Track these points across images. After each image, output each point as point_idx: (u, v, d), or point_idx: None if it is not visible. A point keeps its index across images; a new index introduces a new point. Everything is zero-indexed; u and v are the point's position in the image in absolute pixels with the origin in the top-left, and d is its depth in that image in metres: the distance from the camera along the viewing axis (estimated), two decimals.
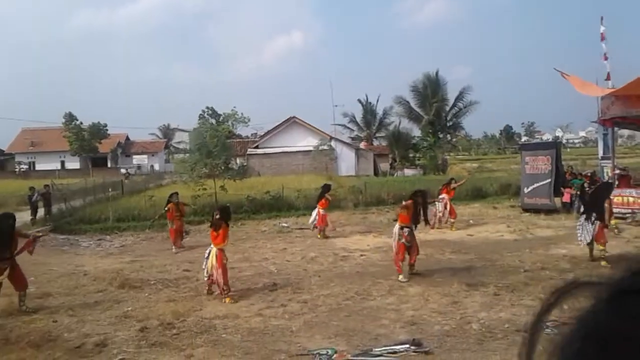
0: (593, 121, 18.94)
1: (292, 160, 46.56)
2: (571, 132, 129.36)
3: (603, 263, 10.38)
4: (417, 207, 10.40)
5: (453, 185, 17.29)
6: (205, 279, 9.42)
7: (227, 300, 8.97)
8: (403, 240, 10.08)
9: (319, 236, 15.62)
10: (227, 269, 9.38)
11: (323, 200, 16.00)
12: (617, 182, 18.20)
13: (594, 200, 11.21)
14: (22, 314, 8.45)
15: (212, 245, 9.43)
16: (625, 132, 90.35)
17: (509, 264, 11.04)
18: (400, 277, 9.95)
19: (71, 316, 8.37)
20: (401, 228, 10.20)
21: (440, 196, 16.75)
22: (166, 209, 15.19)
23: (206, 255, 9.47)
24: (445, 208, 16.49)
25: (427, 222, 11.05)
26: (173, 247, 14.73)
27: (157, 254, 14.38)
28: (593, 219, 10.61)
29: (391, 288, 9.41)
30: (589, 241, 10.70)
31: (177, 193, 16.10)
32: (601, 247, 10.62)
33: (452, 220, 16.49)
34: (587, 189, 15.53)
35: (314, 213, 16.06)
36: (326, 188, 16.73)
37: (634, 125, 19.88)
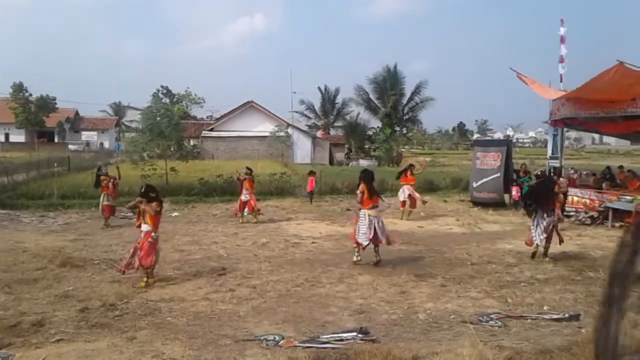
0: (544, 121, 19.47)
1: (247, 145, 46.17)
2: (522, 132, 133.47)
3: (547, 259, 10.66)
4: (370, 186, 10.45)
5: (414, 169, 17.70)
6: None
7: (142, 283, 8.60)
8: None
9: (240, 221, 15.68)
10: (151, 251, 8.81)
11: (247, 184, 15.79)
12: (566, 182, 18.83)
13: (536, 195, 11.27)
14: None
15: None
16: (572, 134, 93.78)
17: (456, 256, 11.23)
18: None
19: (7, 294, 8.00)
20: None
21: (402, 187, 17.03)
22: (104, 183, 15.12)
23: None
24: (411, 196, 16.78)
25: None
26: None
27: (103, 233, 13.96)
28: (545, 215, 10.67)
29: (341, 276, 9.41)
30: (543, 240, 10.65)
31: (105, 165, 15.91)
32: (547, 245, 10.82)
33: (409, 210, 16.81)
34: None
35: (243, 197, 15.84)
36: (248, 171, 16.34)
37: (583, 127, 20.53)
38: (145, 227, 8.90)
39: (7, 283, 8.53)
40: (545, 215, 10.68)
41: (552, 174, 15.84)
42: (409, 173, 17.43)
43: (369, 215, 10.23)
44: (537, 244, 10.82)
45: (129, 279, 8.98)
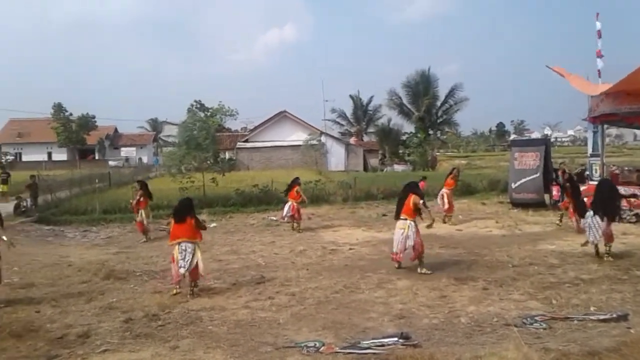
0: (583, 119, 18.98)
1: (281, 155, 46.50)
2: (560, 130, 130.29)
3: (609, 258, 10.37)
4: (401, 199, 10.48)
5: (453, 176, 17.12)
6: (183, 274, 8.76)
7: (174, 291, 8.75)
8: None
9: (294, 230, 15.65)
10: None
11: (293, 193, 15.86)
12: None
13: (600, 197, 10.79)
14: (4, 304, 8.29)
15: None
16: (613, 131, 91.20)
17: (497, 259, 11.02)
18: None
19: (54, 307, 8.22)
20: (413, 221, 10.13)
21: (441, 192, 16.80)
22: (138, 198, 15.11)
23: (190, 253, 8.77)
24: (443, 200, 16.52)
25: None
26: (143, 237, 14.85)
27: (144, 245, 14.22)
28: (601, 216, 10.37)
29: (380, 281, 9.34)
30: (598, 240, 10.46)
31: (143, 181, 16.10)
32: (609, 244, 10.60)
33: (447, 214, 16.49)
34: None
35: (287, 206, 15.88)
36: (296, 181, 16.39)
37: (623, 123, 19.95)
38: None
39: (53, 297, 8.77)
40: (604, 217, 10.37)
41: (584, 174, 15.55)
42: (450, 177, 17.08)
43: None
44: (594, 243, 10.57)
45: (170, 289, 9.11)
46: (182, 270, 8.67)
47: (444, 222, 16.12)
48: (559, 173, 19.16)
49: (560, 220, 15.11)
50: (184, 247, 8.77)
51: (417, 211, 10.18)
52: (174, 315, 7.66)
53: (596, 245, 10.66)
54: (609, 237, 10.54)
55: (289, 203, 15.81)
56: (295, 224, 15.84)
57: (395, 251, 10.21)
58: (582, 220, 11.26)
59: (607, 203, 10.65)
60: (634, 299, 7.76)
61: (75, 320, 7.52)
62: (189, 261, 8.66)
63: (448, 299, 8.16)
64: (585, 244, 10.89)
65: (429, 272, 9.86)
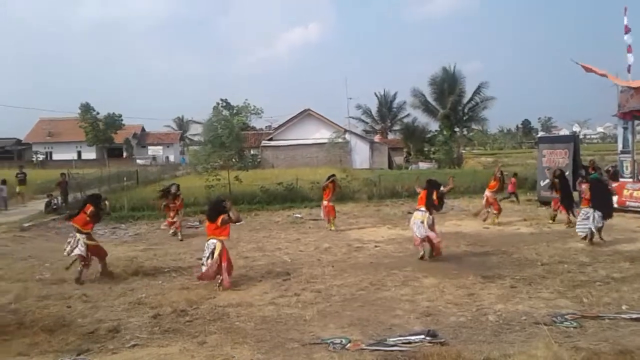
0: (613, 115, 18.58)
1: (306, 153, 46.53)
2: (589, 127, 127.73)
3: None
4: (430, 194, 10.97)
5: (497, 174, 16.35)
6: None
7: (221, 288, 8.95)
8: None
9: (332, 228, 15.30)
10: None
11: (327, 191, 15.58)
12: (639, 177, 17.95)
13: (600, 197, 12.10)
14: (36, 299, 8.48)
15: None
16: None
17: (525, 257, 10.88)
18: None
19: (85, 302, 8.38)
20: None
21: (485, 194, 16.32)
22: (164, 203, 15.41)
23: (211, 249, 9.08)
24: (488, 202, 15.95)
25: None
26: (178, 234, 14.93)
27: (171, 242, 14.40)
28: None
29: (406, 279, 9.30)
30: (594, 231, 11.74)
31: (177, 185, 16.01)
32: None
33: (494, 212, 15.84)
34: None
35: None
36: (328, 178, 15.98)
37: None
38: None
39: (84, 292, 8.94)
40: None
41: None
42: (493, 178, 16.29)
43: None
44: (591, 233, 11.79)
45: (197, 286, 9.22)
46: (203, 268, 9.06)
47: (485, 220, 15.85)
48: (589, 169, 18.83)
49: (554, 220, 15.17)
50: (209, 244, 9.15)
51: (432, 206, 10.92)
52: (202, 311, 7.74)
53: (592, 234, 11.81)
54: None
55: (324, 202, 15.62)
56: (328, 223, 15.52)
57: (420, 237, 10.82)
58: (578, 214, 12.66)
59: (606, 203, 12.11)
60: None
61: (105, 315, 7.66)
62: (208, 257, 9.03)
63: (475, 297, 8.08)
64: (586, 238, 11.90)
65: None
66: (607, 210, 12.00)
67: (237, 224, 10.06)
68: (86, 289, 9.22)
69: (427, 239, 10.80)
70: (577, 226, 12.31)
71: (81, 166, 46.75)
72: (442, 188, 11.14)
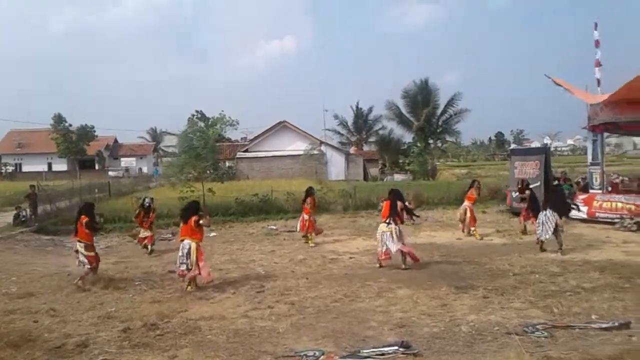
0: (583, 127, 18.98)
1: (281, 164, 46.50)
2: (559, 140, 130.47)
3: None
4: (393, 205, 11.17)
5: (474, 189, 15.83)
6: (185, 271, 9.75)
7: (189, 287, 9.68)
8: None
9: (311, 245, 14.65)
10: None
11: (307, 205, 14.94)
12: (609, 188, 18.34)
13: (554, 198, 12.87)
14: (1, 313, 8.24)
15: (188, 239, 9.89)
16: (613, 140, 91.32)
17: (498, 267, 10.98)
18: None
19: (52, 316, 8.17)
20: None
21: (463, 205, 15.77)
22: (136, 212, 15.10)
23: (186, 251, 9.80)
24: (466, 214, 15.51)
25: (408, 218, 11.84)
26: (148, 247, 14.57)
27: (143, 255, 14.18)
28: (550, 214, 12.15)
29: (380, 290, 9.30)
30: (549, 237, 12.23)
31: (151, 198, 15.72)
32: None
33: (472, 228, 15.44)
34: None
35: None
36: (309, 192, 15.31)
37: (623, 131, 19.97)
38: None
39: (52, 306, 8.72)
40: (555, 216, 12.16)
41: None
42: (471, 190, 15.77)
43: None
44: (544, 239, 12.32)
45: (169, 299, 9.08)
46: (182, 267, 9.71)
47: (469, 235, 15.40)
48: (561, 181, 19.20)
49: (524, 233, 15.12)
50: (184, 245, 9.82)
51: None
52: (173, 324, 7.61)
53: (542, 242, 12.39)
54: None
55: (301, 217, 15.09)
56: (308, 236, 14.96)
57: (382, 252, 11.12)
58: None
59: (560, 203, 12.63)
60: (635, 307, 7.72)
61: (73, 329, 7.47)
62: (187, 258, 9.72)
63: (448, 308, 8.11)
64: (539, 242, 12.44)
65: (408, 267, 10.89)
66: (561, 209, 12.51)
67: (206, 229, 10.91)
68: (54, 302, 8.99)
69: (400, 251, 10.92)
70: (536, 232, 12.69)
71: (52, 178, 45.90)
72: (406, 202, 11.24)
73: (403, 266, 10.96)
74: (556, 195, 13.11)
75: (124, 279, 10.87)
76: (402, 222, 11.29)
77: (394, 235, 10.91)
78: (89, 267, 10.37)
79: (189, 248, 9.75)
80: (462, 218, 15.67)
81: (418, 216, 12.32)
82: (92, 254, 10.54)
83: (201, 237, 10.03)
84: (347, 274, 10.88)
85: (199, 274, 9.70)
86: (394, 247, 10.90)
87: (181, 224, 10.22)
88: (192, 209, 10.14)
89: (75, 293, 9.67)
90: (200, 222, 9.84)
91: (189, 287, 9.67)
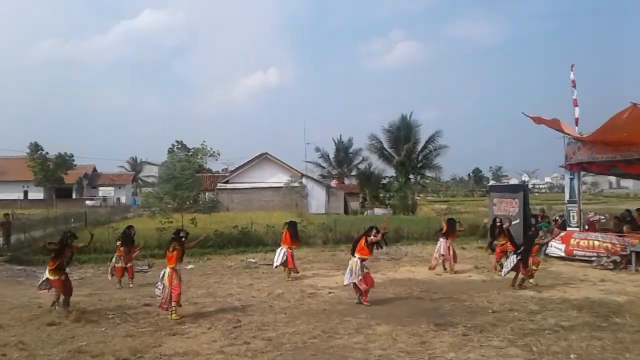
0: (560, 166, 19.30)
1: (262, 197, 46.33)
2: (537, 177, 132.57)
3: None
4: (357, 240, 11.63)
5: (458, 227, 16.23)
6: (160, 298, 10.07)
7: (174, 316, 9.85)
8: (367, 270, 11.31)
9: (289, 279, 14.45)
10: (179, 287, 10.07)
11: (288, 238, 14.74)
12: (586, 227, 18.55)
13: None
14: None
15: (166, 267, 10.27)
16: (589, 179, 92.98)
17: (477, 304, 10.95)
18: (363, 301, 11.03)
19: (21, 350, 7.90)
20: (362, 261, 11.19)
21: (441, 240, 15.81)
22: (118, 244, 14.69)
23: (160, 276, 10.25)
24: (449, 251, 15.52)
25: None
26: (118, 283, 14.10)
27: (118, 288, 13.85)
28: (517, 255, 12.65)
29: (359, 327, 9.18)
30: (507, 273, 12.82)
31: (132, 227, 15.16)
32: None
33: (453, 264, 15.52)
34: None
35: (281, 252, 14.66)
36: (293, 226, 15.10)
37: (599, 171, 20.32)
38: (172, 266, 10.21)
39: (21, 339, 8.43)
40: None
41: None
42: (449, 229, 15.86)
43: None
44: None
45: (143, 333, 8.85)
46: (157, 292, 10.13)
47: (446, 270, 15.51)
48: (539, 219, 19.40)
49: (498, 269, 14.82)
50: (162, 273, 10.29)
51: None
52: None
53: (522, 281, 12.74)
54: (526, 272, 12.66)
55: (284, 249, 14.64)
56: (288, 272, 14.64)
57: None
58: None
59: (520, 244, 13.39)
60: (613, 347, 7.73)
61: None
62: (162, 284, 10.04)
63: (428, 345, 8.03)
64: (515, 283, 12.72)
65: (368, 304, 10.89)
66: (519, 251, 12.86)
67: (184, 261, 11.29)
68: (23, 336, 8.70)
69: (354, 285, 11.14)
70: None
71: (27, 206, 45.15)
72: (371, 237, 11.04)
73: (355, 300, 11.25)
74: (528, 242, 13.18)
75: (97, 311, 10.59)
76: (370, 255, 11.38)
77: (354, 269, 11.09)
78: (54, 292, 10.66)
79: (164, 273, 10.18)
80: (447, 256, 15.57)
81: (386, 244, 12.13)
82: (55, 278, 10.57)
83: (174, 262, 10.16)
84: (325, 309, 10.75)
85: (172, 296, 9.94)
86: (347, 279, 11.20)
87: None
88: (173, 236, 10.57)
89: (46, 326, 9.37)
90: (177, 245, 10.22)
91: (174, 316, 9.85)
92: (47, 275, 10.66)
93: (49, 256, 11.07)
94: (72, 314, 10.03)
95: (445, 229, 15.98)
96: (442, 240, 15.75)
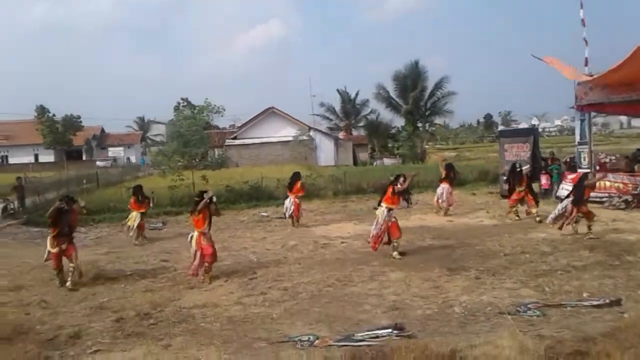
0: (570, 107, 18.98)
1: (271, 151, 46.30)
2: (547, 120, 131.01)
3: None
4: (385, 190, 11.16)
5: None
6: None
7: (207, 279, 9.39)
8: (394, 219, 10.82)
9: (295, 226, 15.42)
10: (210, 247, 9.58)
11: (298, 188, 15.67)
12: (597, 167, 18.42)
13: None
14: None
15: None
16: (600, 120, 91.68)
17: (489, 248, 11.04)
18: (395, 254, 10.52)
19: (44, 308, 8.12)
20: (389, 210, 10.69)
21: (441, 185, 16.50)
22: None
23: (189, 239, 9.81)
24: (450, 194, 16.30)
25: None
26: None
27: (134, 245, 14.07)
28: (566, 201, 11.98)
29: (373, 274, 9.32)
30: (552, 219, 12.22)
31: (140, 186, 15.40)
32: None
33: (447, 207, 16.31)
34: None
35: (288, 202, 15.66)
36: (296, 176, 16.11)
37: (611, 111, 20.01)
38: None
39: (43, 298, 8.65)
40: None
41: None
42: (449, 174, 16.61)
43: None
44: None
45: (161, 288, 9.05)
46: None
47: (445, 215, 16.06)
48: (549, 161, 19.27)
49: (517, 215, 14.84)
50: (189, 236, 9.80)
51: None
52: (166, 313, 7.59)
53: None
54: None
55: (290, 199, 15.58)
56: (294, 221, 15.57)
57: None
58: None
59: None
60: (626, 284, 7.80)
61: (65, 321, 7.43)
62: (192, 248, 9.61)
63: (441, 290, 8.15)
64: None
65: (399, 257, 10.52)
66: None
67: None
68: (45, 295, 8.93)
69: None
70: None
71: (39, 169, 45.43)
72: (398, 185, 10.70)
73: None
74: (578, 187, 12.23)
75: (115, 269, 10.80)
76: (397, 204, 10.93)
77: (378, 219, 10.78)
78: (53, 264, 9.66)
79: (191, 237, 9.69)
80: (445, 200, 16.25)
81: (410, 202, 12.28)
82: (54, 250, 9.58)
83: (202, 226, 9.58)
84: (339, 258, 10.90)
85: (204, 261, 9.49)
86: (373, 230, 10.92)
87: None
88: (197, 198, 9.91)
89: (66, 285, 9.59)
90: (200, 206, 9.51)
91: (208, 279, 9.37)
92: (47, 245, 9.72)
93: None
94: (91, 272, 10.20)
95: (444, 174, 16.55)
96: (442, 186, 16.39)
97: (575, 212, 11.61)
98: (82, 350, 6.26)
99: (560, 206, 12.27)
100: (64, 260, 9.62)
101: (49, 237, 9.80)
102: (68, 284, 9.37)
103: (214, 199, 9.84)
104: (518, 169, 14.93)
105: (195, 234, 9.58)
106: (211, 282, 9.33)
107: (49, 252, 9.65)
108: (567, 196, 12.29)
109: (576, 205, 11.59)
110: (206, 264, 9.45)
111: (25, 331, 6.99)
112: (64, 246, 9.56)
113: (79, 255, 9.94)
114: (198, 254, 9.44)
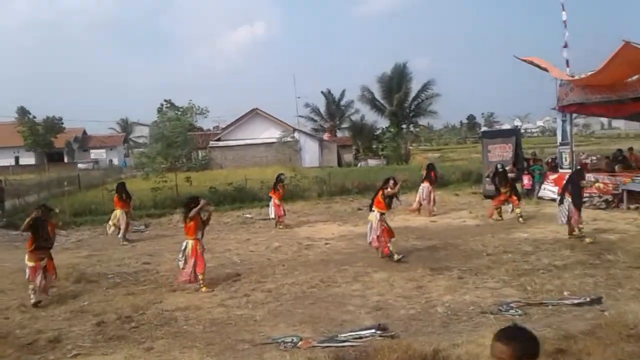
0: (552, 108, 19.18)
1: (255, 153, 46.13)
2: (529, 122, 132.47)
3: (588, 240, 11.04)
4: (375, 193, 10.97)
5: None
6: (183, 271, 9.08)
7: (204, 288, 8.85)
8: (385, 224, 10.58)
9: (280, 227, 15.43)
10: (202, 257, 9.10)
11: (279, 191, 15.75)
12: (578, 167, 18.60)
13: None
14: None
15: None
16: (580, 120, 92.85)
17: (472, 248, 11.11)
18: (395, 256, 10.21)
19: (23, 312, 8.00)
20: (382, 214, 10.50)
21: (422, 185, 16.81)
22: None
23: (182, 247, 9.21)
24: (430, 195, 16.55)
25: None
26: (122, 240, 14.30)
27: (116, 247, 13.90)
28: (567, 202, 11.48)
29: (356, 275, 9.33)
30: (565, 221, 11.61)
31: (123, 183, 15.57)
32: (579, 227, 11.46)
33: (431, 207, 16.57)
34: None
35: (271, 205, 15.79)
36: (279, 179, 16.26)
37: (591, 112, 20.24)
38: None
39: (22, 302, 8.51)
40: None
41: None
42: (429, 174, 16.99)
43: None
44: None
45: (143, 291, 8.96)
46: (180, 264, 9.09)
47: (430, 215, 16.25)
48: (530, 162, 19.46)
49: (500, 215, 14.81)
50: (182, 244, 9.27)
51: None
52: (148, 316, 7.52)
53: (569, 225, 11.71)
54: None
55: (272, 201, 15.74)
56: (277, 222, 15.63)
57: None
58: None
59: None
60: (606, 283, 7.90)
61: (45, 325, 7.33)
62: (182, 254, 9.06)
63: (424, 289, 8.18)
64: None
65: (401, 256, 10.23)
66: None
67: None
68: (24, 299, 8.76)
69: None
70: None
71: (19, 172, 44.82)
72: (387, 189, 10.58)
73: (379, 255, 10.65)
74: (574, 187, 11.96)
75: (96, 272, 10.67)
76: (387, 208, 10.73)
77: (373, 224, 10.49)
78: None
79: (184, 247, 9.12)
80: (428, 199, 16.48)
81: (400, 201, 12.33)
82: (31, 264, 8.61)
83: (193, 234, 9.11)
84: (323, 259, 10.89)
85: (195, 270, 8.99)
86: (369, 236, 10.57)
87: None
88: (187, 204, 9.40)
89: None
90: (192, 213, 9.01)
91: (204, 289, 8.85)
92: (26, 260, 8.73)
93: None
94: (71, 277, 10.06)
95: (424, 173, 17.12)
96: (423, 185, 16.73)
97: (578, 214, 11.41)
98: (62, 355, 6.18)
99: (562, 209, 11.69)
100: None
101: (27, 253, 8.83)
102: (32, 300, 8.36)
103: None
104: (500, 170, 15.00)
105: (191, 242, 9.06)
106: (211, 290, 8.90)
107: (30, 267, 8.60)
108: (562, 197, 11.82)
109: (576, 206, 11.46)
110: (200, 276, 8.94)
111: (4, 335, 6.89)
112: (43, 262, 8.65)
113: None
114: (191, 261, 8.92)
